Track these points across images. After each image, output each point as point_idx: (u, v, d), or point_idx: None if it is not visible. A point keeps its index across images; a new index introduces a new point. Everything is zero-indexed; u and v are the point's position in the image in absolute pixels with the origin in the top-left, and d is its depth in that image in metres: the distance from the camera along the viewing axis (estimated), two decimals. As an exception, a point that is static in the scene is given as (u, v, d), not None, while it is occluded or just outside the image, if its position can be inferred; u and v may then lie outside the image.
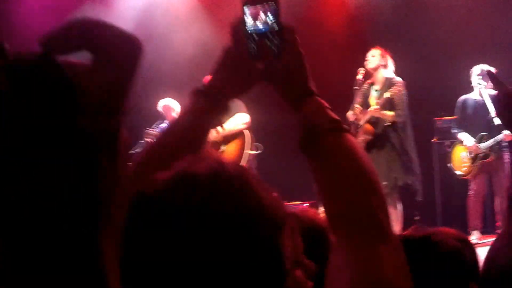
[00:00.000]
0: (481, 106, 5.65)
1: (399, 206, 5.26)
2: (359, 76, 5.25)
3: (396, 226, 5.23)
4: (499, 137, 5.55)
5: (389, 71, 5.27)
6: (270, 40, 1.00)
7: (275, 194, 0.79)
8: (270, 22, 1.00)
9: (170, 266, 0.69)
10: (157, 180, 0.73)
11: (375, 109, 5.08)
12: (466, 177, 5.88)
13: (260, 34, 1.01)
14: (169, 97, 6.42)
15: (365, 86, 5.36)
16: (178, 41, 7.11)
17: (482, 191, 5.93)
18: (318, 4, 7.53)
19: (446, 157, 6.13)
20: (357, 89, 5.26)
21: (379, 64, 5.23)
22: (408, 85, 5.33)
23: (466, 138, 5.76)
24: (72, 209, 0.47)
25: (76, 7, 7.15)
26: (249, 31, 1.01)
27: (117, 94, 0.49)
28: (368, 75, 5.30)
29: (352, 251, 0.81)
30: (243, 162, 5.13)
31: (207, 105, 1.03)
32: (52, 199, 0.46)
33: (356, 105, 5.20)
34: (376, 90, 5.27)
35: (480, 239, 5.69)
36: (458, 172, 5.93)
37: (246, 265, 0.71)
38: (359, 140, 5.13)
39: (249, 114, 5.17)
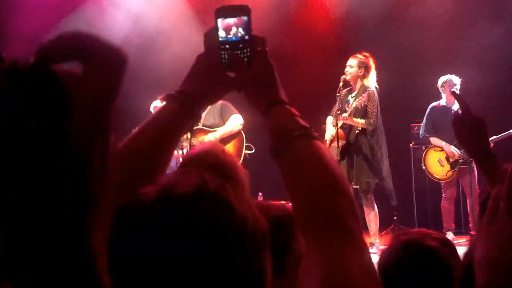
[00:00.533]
0: (453, 113, 5.93)
1: (375, 208, 5.51)
2: (341, 84, 5.41)
3: (373, 226, 5.53)
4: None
5: (369, 79, 5.41)
6: (241, 50, 1.03)
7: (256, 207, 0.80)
8: (241, 33, 1.03)
9: (154, 283, 0.71)
10: (142, 196, 0.74)
11: (345, 116, 5.25)
12: (445, 181, 6.06)
13: (232, 44, 1.03)
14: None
15: (344, 92, 5.52)
16: (175, 46, 7.26)
17: (454, 194, 6.19)
18: (305, 13, 7.73)
19: (421, 160, 6.36)
20: (338, 95, 5.43)
21: (357, 74, 5.39)
22: (388, 92, 5.56)
23: (445, 144, 5.96)
24: (64, 207, 0.48)
25: (71, 12, 7.34)
26: (221, 41, 1.03)
27: (105, 98, 0.52)
28: (347, 83, 5.48)
29: (319, 252, 0.81)
30: (241, 161, 5.32)
31: (178, 110, 1.04)
32: (44, 198, 0.47)
33: (337, 111, 5.41)
34: (352, 97, 5.46)
35: (453, 240, 5.96)
36: (437, 176, 6.09)
37: (226, 282, 0.73)
38: (340, 145, 5.39)
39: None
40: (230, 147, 5.45)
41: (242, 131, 5.44)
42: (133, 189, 0.75)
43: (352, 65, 5.42)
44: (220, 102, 5.38)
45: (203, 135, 5.35)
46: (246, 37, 1.03)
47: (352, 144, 5.41)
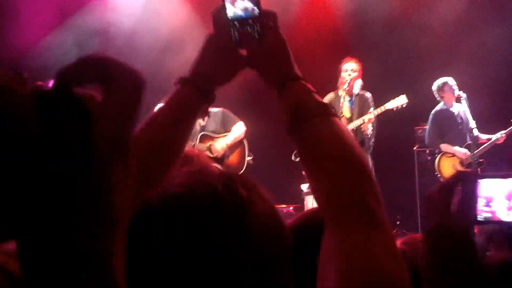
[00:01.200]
0: (457, 116, 5.90)
1: None
2: (345, 87, 5.39)
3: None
4: (494, 140, 5.77)
5: (359, 83, 5.49)
6: (251, 26, 1.00)
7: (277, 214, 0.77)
8: (250, 9, 0.99)
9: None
10: (148, 204, 0.71)
11: (370, 118, 5.24)
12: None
13: (241, 20, 1.00)
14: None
15: (331, 95, 5.53)
16: (182, 50, 7.31)
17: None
18: (306, 14, 7.74)
19: (426, 164, 6.33)
20: (342, 98, 5.42)
21: (357, 78, 5.43)
22: (391, 95, 5.54)
23: (455, 149, 5.90)
24: (86, 220, 0.49)
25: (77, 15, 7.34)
26: (230, 18, 1.00)
27: (126, 120, 0.53)
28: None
29: (341, 236, 0.77)
30: (244, 168, 5.53)
31: (194, 93, 1.01)
32: (66, 213, 0.48)
33: (340, 115, 5.36)
34: (349, 101, 5.47)
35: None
36: None
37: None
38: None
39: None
40: (234, 154, 5.59)
41: (244, 140, 5.57)
42: (141, 192, 0.71)
43: (354, 69, 5.43)
44: (221, 109, 5.43)
45: (209, 141, 5.41)
46: (256, 12, 0.99)
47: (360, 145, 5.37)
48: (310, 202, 5.43)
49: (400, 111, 5.48)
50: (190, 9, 7.72)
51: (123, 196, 0.52)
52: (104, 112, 0.51)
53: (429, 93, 6.25)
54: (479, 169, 5.78)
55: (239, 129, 5.42)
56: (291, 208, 5.80)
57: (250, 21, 1.00)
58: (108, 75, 0.53)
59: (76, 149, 0.49)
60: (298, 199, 5.93)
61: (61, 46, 7.30)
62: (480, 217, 1.05)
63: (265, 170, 5.64)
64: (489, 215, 1.06)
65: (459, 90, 5.83)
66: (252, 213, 0.71)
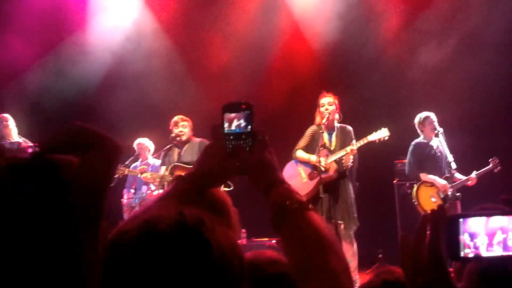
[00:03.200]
0: (435, 149, 5.99)
1: (355, 244, 5.46)
2: (324, 121, 5.44)
3: (354, 263, 5.44)
4: (467, 179, 5.86)
5: (336, 116, 5.58)
6: (244, 141, 1.17)
7: (235, 243, 0.87)
8: (244, 126, 1.17)
9: None
10: (126, 231, 0.77)
11: (352, 149, 5.28)
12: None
13: (236, 135, 1.17)
14: (145, 136, 6.71)
15: (314, 127, 5.59)
16: (155, 86, 7.38)
17: (441, 229, 6.16)
18: (289, 54, 7.88)
19: (406, 197, 6.37)
20: (321, 132, 5.48)
21: (336, 111, 5.53)
22: (370, 129, 5.63)
23: (437, 179, 5.94)
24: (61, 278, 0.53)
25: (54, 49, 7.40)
26: (227, 133, 1.17)
27: (101, 184, 0.57)
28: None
29: None
30: None
31: (187, 192, 1.17)
32: (43, 274, 0.51)
33: (320, 148, 5.40)
34: (329, 134, 5.55)
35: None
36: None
37: None
38: (331, 178, 5.40)
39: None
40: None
41: None
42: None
43: (331, 102, 5.51)
44: (201, 140, 5.41)
45: (181, 171, 5.39)
46: (248, 129, 1.17)
47: (341, 178, 5.40)
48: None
49: (379, 145, 5.54)
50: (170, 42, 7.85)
51: (92, 260, 0.55)
52: (81, 176, 0.55)
53: (408, 127, 6.34)
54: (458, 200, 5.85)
55: None
56: (273, 241, 5.78)
57: (243, 136, 1.17)
58: (87, 144, 0.57)
59: (49, 216, 0.51)
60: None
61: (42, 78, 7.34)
62: (462, 254, 1.07)
63: (247, 203, 5.65)
64: (470, 251, 1.06)
65: (439, 126, 5.94)
66: (207, 239, 0.80)
